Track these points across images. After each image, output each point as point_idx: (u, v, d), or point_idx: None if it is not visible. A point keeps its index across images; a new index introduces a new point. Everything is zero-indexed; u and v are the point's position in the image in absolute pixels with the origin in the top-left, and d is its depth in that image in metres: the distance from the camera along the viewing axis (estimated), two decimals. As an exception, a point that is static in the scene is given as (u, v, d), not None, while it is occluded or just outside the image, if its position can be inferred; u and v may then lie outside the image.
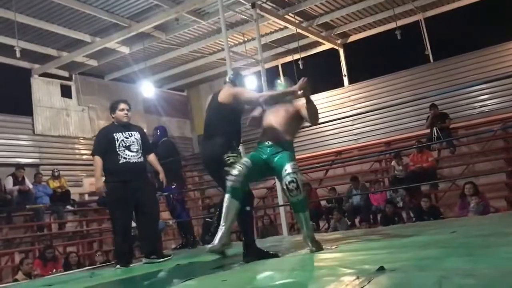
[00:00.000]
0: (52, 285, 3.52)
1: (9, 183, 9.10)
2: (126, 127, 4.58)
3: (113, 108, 4.61)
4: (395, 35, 10.35)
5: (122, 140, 4.44)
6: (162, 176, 4.88)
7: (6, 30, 9.16)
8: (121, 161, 4.38)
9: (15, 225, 9.15)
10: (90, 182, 10.89)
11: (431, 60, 11.36)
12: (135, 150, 4.48)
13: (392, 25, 11.14)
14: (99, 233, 10.22)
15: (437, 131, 9.57)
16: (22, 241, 9.10)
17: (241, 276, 2.87)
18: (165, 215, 7.58)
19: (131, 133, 4.54)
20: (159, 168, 4.87)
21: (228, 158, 3.53)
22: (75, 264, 7.91)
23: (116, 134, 4.46)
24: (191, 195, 12.46)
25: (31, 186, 9.35)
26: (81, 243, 9.82)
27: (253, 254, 3.42)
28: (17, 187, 9.10)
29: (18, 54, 8.99)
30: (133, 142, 4.50)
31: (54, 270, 7.49)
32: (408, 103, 10.14)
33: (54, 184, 9.95)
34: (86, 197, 11.12)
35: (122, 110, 4.55)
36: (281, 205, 7.27)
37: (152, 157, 4.80)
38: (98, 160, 4.43)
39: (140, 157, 4.51)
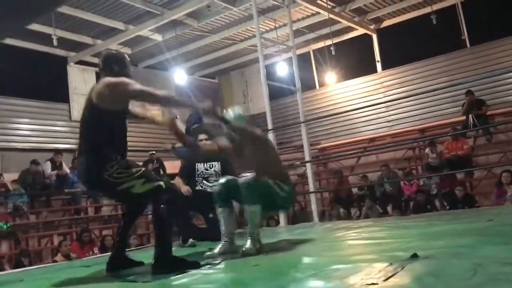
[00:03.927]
0: (90, 266, 3.64)
1: (47, 168, 9.41)
2: (207, 157, 4.65)
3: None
4: (430, 20, 10.10)
5: (202, 171, 4.72)
6: None
7: (43, 19, 9.37)
8: (197, 187, 4.67)
9: (53, 208, 9.48)
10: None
11: (468, 45, 11.03)
12: (212, 181, 4.59)
13: (427, 10, 10.85)
14: (133, 217, 10.44)
15: (473, 118, 9.33)
16: (60, 224, 9.42)
17: (272, 261, 2.90)
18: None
19: (212, 164, 4.72)
20: None
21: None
22: (110, 247, 8.13)
23: (198, 164, 4.74)
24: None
25: (68, 171, 9.64)
26: (116, 226, 10.06)
27: (165, 266, 2.83)
28: (55, 171, 9.40)
29: (55, 43, 9.27)
30: (211, 174, 4.72)
31: (91, 252, 7.73)
32: (443, 90, 9.90)
33: (90, 169, 10.18)
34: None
35: (200, 140, 4.40)
36: (312, 192, 7.28)
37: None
38: (178, 180, 4.72)
39: None
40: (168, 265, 2.79)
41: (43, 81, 10.44)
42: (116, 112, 2.96)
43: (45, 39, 9.69)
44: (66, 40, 10.39)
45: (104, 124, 2.92)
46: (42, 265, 5.88)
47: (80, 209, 9.77)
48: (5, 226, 7.99)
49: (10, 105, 10.35)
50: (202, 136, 4.51)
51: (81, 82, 11.60)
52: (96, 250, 7.95)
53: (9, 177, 9.01)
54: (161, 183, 2.92)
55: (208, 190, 4.60)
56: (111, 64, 3.13)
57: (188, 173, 4.77)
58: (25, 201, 8.85)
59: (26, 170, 9.13)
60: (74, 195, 9.54)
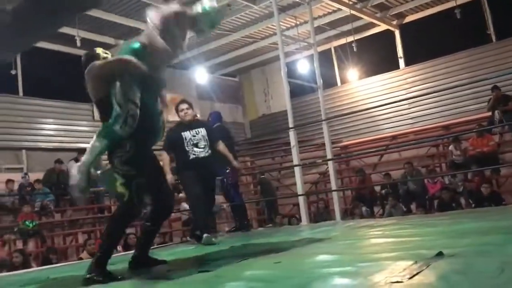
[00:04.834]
0: (114, 264, 3.67)
1: (72, 167, 9.55)
2: (192, 125, 4.95)
3: (176, 110, 5.03)
4: (454, 14, 9.92)
5: (190, 138, 4.87)
6: (235, 164, 5.52)
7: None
8: (191, 157, 4.83)
9: (78, 207, 9.62)
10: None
11: (493, 39, 10.79)
12: (202, 146, 4.88)
13: (451, 4, 10.66)
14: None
15: (499, 114, 9.12)
16: (84, 222, 9.57)
17: (294, 259, 2.88)
18: (219, 198, 7.71)
19: (197, 131, 4.92)
20: (229, 156, 5.33)
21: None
22: (133, 245, 8.21)
23: (184, 133, 4.89)
24: (243, 180, 12.59)
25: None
26: (139, 225, 10.13)
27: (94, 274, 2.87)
28: (80, 171, 9.52)
29: (78, 43, 9.37)
30: (200, 139, 4.89)
31: (115, 250, 7.82)
32: (467, 85, 9.69)
33: (113, 168, 10.31)
34: (143, 181, 11.48)
35: (182, 110, 4.97)
36: (334, 190, 7.22)
37: (221, 147, 5.26)
38: (164, 155, 4.96)
39: (207, 151, 4.91)
40: (96, 274, 2.83)
41: (66, 81, 10.59)
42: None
43: (68, 40, 9.83)
44: (89, 41, 10.50)
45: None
46: (68, 263, 5.99)
47: (104, 207, 9.90)
48: (31, 225, 8.16)
49: (34, 105, 10.54)
50: (183, 106, 4.95)
51: (104, 82, 11.74)
52: (119, 248, 8.04)
53: (34, 176, 9.19)
54: (127, 193, 2.91)
55: (201, 155, 4.85)
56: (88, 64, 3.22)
57: (174, 144, 4.89)
58: (52, 199, 9.03)
59: (50, 169, 9.30)
60: (98, 194, 9.67)
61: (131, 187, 2.91)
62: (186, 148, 4.83)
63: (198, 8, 3.14)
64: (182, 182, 5.06)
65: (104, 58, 3.22)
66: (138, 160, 2.93)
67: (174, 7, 3.09)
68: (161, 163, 4.70)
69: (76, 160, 9.63)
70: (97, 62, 3.04)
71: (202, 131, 4.96)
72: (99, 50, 3.26)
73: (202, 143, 4.88)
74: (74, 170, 2.98)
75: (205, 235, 4.65)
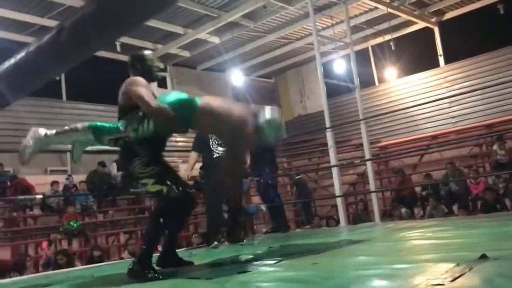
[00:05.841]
0: (154, 263, 3.75)
1: (114, 169, 9.82)
2: None
3: None
4: (497, 10, 9.62)
5: (215, 138, 5.10)
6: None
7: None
8: (215, 156, 5.06)
9: (119, 207, 9.88)
10: (185, 168, 11.39)
11: (539, 34, 10.39)
12: None
13: (493, -1, 10.35)
14: (195, 216, 10.67)
15: (545, 112, 8.79)
16: (126, 223, 9.80)
17: (332, 260, 2.87)
18: (256, 199, 7.75)
19: None
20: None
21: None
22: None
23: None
24: (280, 181, 12.56)
25: (133, 171, 10.01)
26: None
27: (137, 273, 2.92)
28: (120, 172, 9.78)
29: (118, 48, 9.62)
30: None
31: (155, 250, 7.98)
32: (510, 83, 9.38)
33: (153, 170, 10.52)
34: (182, 182, 11.66)
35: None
36: (373, 191, 7.14)
37: None
38: (192, 155, 5.33)
39: None
40: (140, 273, 2.87)
41: (108, 86, 10.88)
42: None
43: (109, 45, 10.09)
44: (129, 46, 10.75)
45: None
46: (111, 262, 6.15)
47: (145, 208, 10.11)
48: (75, 225, 8.43)
49: (77, 109, 10.89)
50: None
51: (143, 86, 11.99)
52: (160, 248, 8.19)
53: (78, 178, 9.48)
54: (164, 188, 2.95)
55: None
56: (134, 64, 3.50)
57: (201, 144, 5.14)
58: (94, 200, 9.31)
59: (93, 171, 9.57)
60: (139, 194, 9.89)
61: (164, 181, 2.98)
62: (211, 147, 5.09)
63: (260, 120, 3.12)
64: (205, 179, 5.32)
65: (150, 59, 3.46)
66: (155, 160, 3.07)
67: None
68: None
69: (117, 162, 9.90)
70: (142, 92, 3.06)
71: None
72: (149, 55, 3.38)
73: None
74: (34, 134, 3.03)
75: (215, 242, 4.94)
